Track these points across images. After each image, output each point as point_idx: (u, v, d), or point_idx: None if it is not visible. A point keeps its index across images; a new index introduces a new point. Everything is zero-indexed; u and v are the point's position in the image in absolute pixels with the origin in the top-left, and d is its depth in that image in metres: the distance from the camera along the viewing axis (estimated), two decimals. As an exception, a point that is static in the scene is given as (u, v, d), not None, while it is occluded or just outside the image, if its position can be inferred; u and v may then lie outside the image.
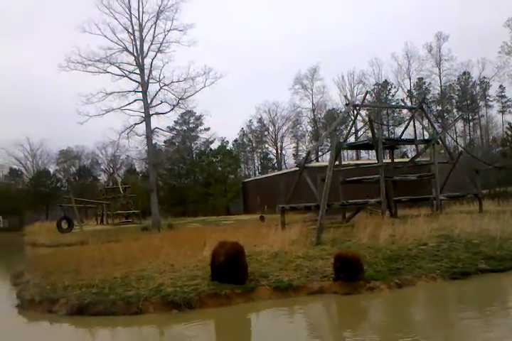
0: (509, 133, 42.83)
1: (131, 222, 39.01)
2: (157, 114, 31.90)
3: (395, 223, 14.57)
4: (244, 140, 74.05)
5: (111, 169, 68.90)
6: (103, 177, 70.65)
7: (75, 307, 8.92)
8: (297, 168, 20.08)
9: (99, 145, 69.17)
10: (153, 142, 33.96)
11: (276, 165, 71.38)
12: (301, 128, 71.68)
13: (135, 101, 31.02)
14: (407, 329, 7.15)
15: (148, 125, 30.87)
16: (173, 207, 50.72)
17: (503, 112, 64.24)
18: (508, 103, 63.71)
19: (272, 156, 73.43)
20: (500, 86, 63.58)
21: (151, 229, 26.78)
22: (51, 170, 70.49)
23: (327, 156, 24.17)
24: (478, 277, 10.22)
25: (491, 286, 9.94)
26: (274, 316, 8.41)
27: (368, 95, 52.33)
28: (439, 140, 20.71)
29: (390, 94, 65.94)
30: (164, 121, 65.08)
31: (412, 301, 9.19)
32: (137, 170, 66.43)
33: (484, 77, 62.81)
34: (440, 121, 59.68)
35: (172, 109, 32.34)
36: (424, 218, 15.16)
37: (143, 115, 30.96)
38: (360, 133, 28.42)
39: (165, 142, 58.25)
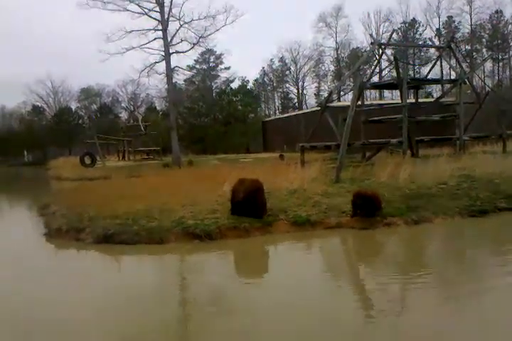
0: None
1: (152, 158, 39.60)
2: (177, 52, 31.38)
3: (416, 163, 14.48)
4: (265, 79, 72.69)
5: (131, 107, 69.05)
6: (124, 115, 71.11)
7: (101, 236, 9.32)
8: (318, 108, 19.77)
9: (119, 84, 69.10)
10: (174, 81, 33.69)
11: (297, 104, 70.39)
12: (323, 68, 69.82)
13: (155, 39, 30.40)
14: (423, 262, 7.33)
15: (168, 63, 30.41)
16: (193, 145, 51.08)
17: (533, 52, 61.16)
18: (540, 43, 60.44)
19: (292, 96, 72.31)
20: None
21: (172, 166, 27.17)
22: (73, 108, 71.06)
23: (349, 96, 23.67)
24: (497, 215, 10.25)
25: (509, 224, 9.97)
26: (291, 248, 8.66)
27: (394, 34, 50.08)
28: (466, 80, 19.98)
29: (418, 33, 63.03)
30: (184, 60, 64.58)
31: (428, 237, 9.33)
32: (157, 108, 66.41)
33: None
34: (468, 60, 57.19)
35: (192, 48, 31.79)
36: (446, 158, 15.02)
37: (163, 53, 30.42)
38: (384, 73, 27.46)
39: (185, 81, 57.66)
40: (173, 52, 30.86)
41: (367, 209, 9.57)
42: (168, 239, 9.05)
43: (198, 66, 62.34)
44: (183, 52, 31.67)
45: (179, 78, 51.74)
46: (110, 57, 30.58)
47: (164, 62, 30.53)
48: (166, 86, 33.30)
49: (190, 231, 9.15)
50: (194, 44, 31.52)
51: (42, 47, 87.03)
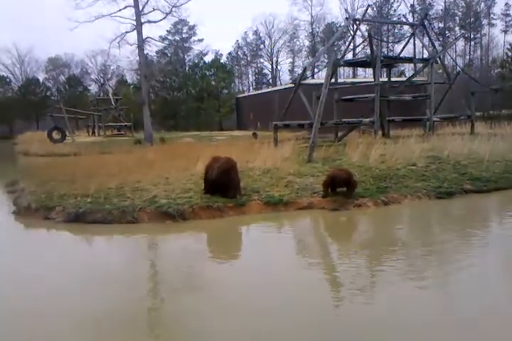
0: (509, 54, 41.65)
1: (124, 134, 38.91)
2: (149, 22, 30.52)
3: (387, 143, 14.71)
4: (239, 53, 71.65)
5: (101, 79, 67.20)
6: (94, 88, 69.21)
7: (72, 214, 9.23)
8: (292, 85, 19.70)
9: (88, 54, 66.89)
10: (145, 52, 32.85)
11: (271, 81, 69.90)
12: (298, 43, 69.24)
13: (126, 7, 29.44)
14: (390, 241, 7.56)
15: (139, 34, 29.58)
16: (165, 121, 50.43)
17: (505, 32, 62.04)
18: (512, 22, 61.30)
19: (266, 71, 71.70)
20: (506, 3, 60.81)
21: (144, 143, 26.84)
22: (40, 79, 68.67)
23: (323, 73, 23.63)
24: (462, 197, 10.61)
25: (472, 206, 10.34)
26: (264, 228, 8.79)
27: (369, 9, 49.76)
28: (438, 59, 20.20)
29: (392, 9, 62.95)
30: (156, 31, 62.50)
31: (396, 217, 9.60)
32: (129, 81, 64.80)
33: (491, -6, 59.85)
34: (441, 39, 57.61)
35: (165, 17, 30.96)
36: (416, 139, 15.31)
37: (134, 23, 29.52)
38: (358, 50, 27.42)
39: (157, 53, 56.34)
40: (145, 22, 30.04)
41: (343, 189, 9.79)
42: (142, 219, 9.05)
43: (170, 37, 60.92)
44: (155, 21, 30.88)
45: (151, 50, 50.66)
46: (79, 25, 29.62)
47: (136, 32, 29.70)
48: (138, 58, 32.48)
49: (163, 210, 9.16)
50: (167, 13, 30.75)
51: (7, 14, 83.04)
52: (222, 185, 9.77)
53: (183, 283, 5.89)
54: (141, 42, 29.88)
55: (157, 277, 6.41)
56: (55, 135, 32.48)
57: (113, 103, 40.88)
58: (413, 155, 12.99)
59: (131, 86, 59.97)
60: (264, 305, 5.07)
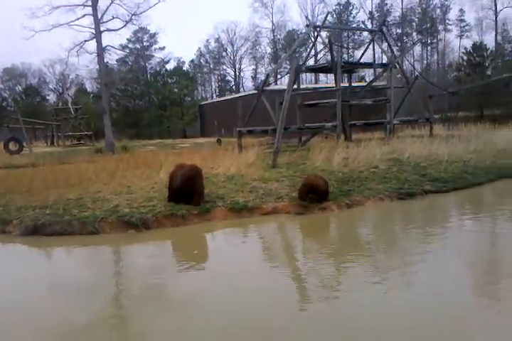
0: (465, 58, 43.26)
1: (84, 143, 38.11)
2: (108, 30, 30.21)
3: (349, 147, 14.91)
4: (201, 61, 71.63)
5: (60, 88, 65.72)
6: (52, 97, 67.50)
7: (29, 227, 8.88)
8: (255, 91, 19.76)
9: (46, 63, 65.41)
10: (105, 60, 32.36)
11: (234, 87, 70.07)
12: (260, 50, 69.86)
13: (84, 16, 29.02)
14: (355, 243, 7.61)
15: (99, 42, 29.15)
16: (127, 129, 49.63)
17: (460, 37, 64.47)
18: (467, 27, 63.73)
19: (229, 78, 71.90)
20: (461, 9, 63.28)
21: (105, 152, 26.32)
22: (-5, 89, 66.54)
23: (286, 79, 23.79)
24: (423, 198, 10.84)
25: (432, 205, 10.56)
26: (228, 235, 8.70)
27: (329, 16, 50.62)
28: (396, 64, 20.69)
29: (352, 16, 64.47)
30: (116, 39, 62.29)
31: (359, 219, 9.67)
32: (88, 90, 63.58)
33: (445, 0, 62.08)
34: (399, 44, 59.26)
35: (124, 26, 30.78)
36: (377, 142, 15.58)
37: (93, 31, 29.13)
38: (319, 56, 27.79)
39: (117, 61, 55.61)
40: (104, 30, 29.66)
41: (316, 198, 9.80)
42: (103, 229, 8.81)
43: (131, 45, 60.33)
44: (114, 30, 30.62)
45: (111, 58, 49.80)
46: (36, 34, 29.01)
47: (95, 40, 29.27)
48: (97, 66, 31.94)
49: (126, 220, 8.95)
50: (126, 22, 30.57)
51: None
52: (186, 192, 9.63)
53: (147, 294, 5.73)
54: (101, 51, 29.46)
55: (119, 288, 6.22)
56: (12, 146, 31.40)
57: (72, 112, 39.97)
58: (375, 158, 13.21)
59: (91, 95, 58.85)
60: (231, 311, 4.98)
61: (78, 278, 6.47)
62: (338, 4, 63.85)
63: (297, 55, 51.09)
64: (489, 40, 53.60)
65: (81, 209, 9.52)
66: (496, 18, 56.20)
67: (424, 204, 10.56)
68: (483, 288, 5.52)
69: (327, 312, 4.90)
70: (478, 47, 42.21)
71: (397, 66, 21.11)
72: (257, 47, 69.17)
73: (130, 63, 60.04)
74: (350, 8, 64.08)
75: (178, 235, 8.72)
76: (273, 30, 66.45)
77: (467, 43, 55.26)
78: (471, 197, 11.29)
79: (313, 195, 9.82)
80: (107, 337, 4.70)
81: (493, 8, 56.33)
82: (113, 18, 30.03)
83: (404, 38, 62.57)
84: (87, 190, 10.90)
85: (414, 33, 63.84)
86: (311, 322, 4.67)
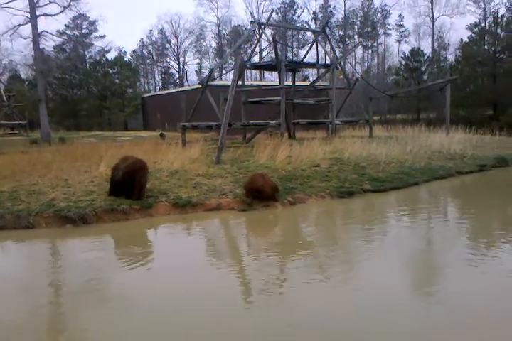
0: (403, 62, 45.07)
1: (18, 133, 36.16)
2: (45, 15, 28.78)
3: (292, 145, 15.13)
4: (144, 52, 69.99)
5: (-9, 74, 61.93)
6: (-18, 83, 63.49)
7: (-43, 221, 8.35)
8: (200, 86, 19.57)
9: (-24, 46, 61.36)
10: (41, 47, 30.82)
11: (178, 81, 69.05)
12: (205, 44, 69.23)
13: (19, -2, 27.46)
14: (297, 240, 7.75)
15: (34, 27, 27.73)
16: (64, 120, 47.61)
17: (399, 41, 67.01)
18: (405, 33, 66.31)
19: (173, 71, 70.73)
20: (400, 15, 65.82)
21: (41, 143, 25.15)
22: None
23: (231, 75, 23.71)
24: (362, 196, 11.22)
25: (370, 204, 10.95)
26: (171, 231, 8.59)
27: (273, 14, 51.16)
28: (338, 65, 21.20)
29: (296, 15, 65.23)
30: (54, 25, 59.21)
31: (301, 216, 9.87)
32: (23, 77, 60.36)
33: (386, 5, 64.48)
34: (341, 46, 60.79)
35: (62, 11, 29.42)
36: (320, 141, 15.92)
37: (28, 15, 27.64)
38: (264, 54, 27.95)
39: (54, 48, 52.99)
40: (40, 15, 28.28)
41: (261, 196, 9.83)
42: (38, 224, 8.47)
43: (69, 32, 57.74)
44: (51, 15, 29.21)
45: (48, 44, 47.82)
46: (-36, 15, 27.11)
47: (30, 25, 27.81)
48: (33, 52, 30.38)
49: (63, 214, 8.64)
50: (64, 7, 29.28)
51: None
52: (128, 186, 9.41)
53: (85, 290, 5.54)
54: (36, 36, 28.05)
55: (56, 284, 5.97)
56: None
57: (5, 100, 37.79)
58: (317, 157, 13.50)
59: (26, 82, 55.96)
60: (174, 309, 4.92)
61: (10, 273, 6.15)
62: (283, 2, 64.43)
63: (242, 52, 51.16)
64: (426, 46, 56.31)
65: (15, 202, 9.07)
66: (433, 25, 58.99)
67: (362, 202, 10.93)
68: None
69: (271, 313, 4.95)
70: (416, 53, 44.08)
71: (339, 67, 21.64)
72: (202, 41, 68.58)
73: (68, 51, 57.51)
74: (295, 7, 64.84)
75: (118, 230, 8.50)
76: (218, 25, 66.08)
77: (406, 48, 57.81)
78: (406, 197, 11.80)
79: (258, 198, 9.85)
80: (37, 332, 4.51)
81: (430, 16, 59.09)
82: (50, 2, 28.65)
83: (347, 40, 64.18)
84: (21, 182, 10.38)
85: (356, 36, 65.67)
86: (252, 318, 4.72)
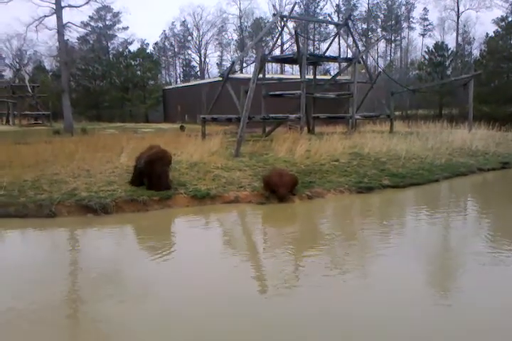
0: (426, 57, 44.34)
1: (41, 124, 36.80)
2: (70, 6, 28.98)
3: (312, 139, 15.09)
4: (166, 44, 70.25)
5: (17, 64, 63.01)
6: (8, 74, 64.57)
7: (-18, 209, 8.59)
8: (220, 78, 19.61)
9: (2, 37, 62.48)
10: (66, 38, 31.19)
11: (199, 73, 69.23)
12: (226, 36, 69.15)
13: (45, -11, 27.68)
14: (315, 234, 7.77)
15: (59, 18, 27.98)
16: (87, 111, 48.22)
17: (423, 35, 65.91)
18: (429, 26, 65.20)
19: (194, 64, 70.90)
20: (425, 8, 64.72)
21: (64, 133, 25.52)
22: None
23: (251, 68, 23.72)
24: (381, 192, 11.15)
25: (389, 200, 10.90)
26: (190, 222, 8.68)
27: (296, 6, 50.80)
28: (360, 59, 20.99)
29: (319, 8, 64.64)
30: (78, 16, 59.90)
31: (319, 211, 9.87)
32: (47, 68, 61.21)
33: (411, -2, 63.40)
34: (364, 39, 60.05)
35: (87, 3, 29.59)
36: (339, 136, 15.84)
37: (54, 6, 27.89)
38: (285, 47, 27.80)
39: (78, 39, 53.61)
40: (65, 6, 28.47)
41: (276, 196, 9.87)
42: (60, 212, 8.66)
43: (93, 23, 58.31)
44: (76, 6, 29.40)
45: (72, 35, 48.40)
46: (-9, 5, 27.47)
47: (55, 16, 28.08)
48: (57, 43, 30.73)
49: (84, 204, 8.82)
50: (89, -2, 29.39)
51: None
52: (148, 175, 9.58)
53: (106, 280, 5.67)
54: (61, 28, 28.32)
55: (77, 273, 6.12)
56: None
57: (30, 90, 38.42)
58: (336, 152, 13.45)
59: (50, 73, 56.72)
60: (195, 300, 5.01)
61: (32, 261, 6.32)
62: (306, -5, 63.88)
63: (263, 44, 50.99)
64: (450, 41, 55.27)
65: (37, 192, 9.28)
66: (458, 19, 57.82)
67: (382, 198, 10.88)
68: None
69: (284, 301, 5.00)
70: (440, 47, 43.31)
71: (361, 61, 21.42)
72: (224, 33, 68.53)
73: (91, 42, 58.08)
74: (318, 0, 64.27)
75: (137, 220, 8.64)
76: (240, 17, 65.87)
77: (429, 42, 56.87)
78: (426, 193, 11.70)
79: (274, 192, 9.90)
80: (56, 318, 4.65)
81: (456, 10, 57.93)
82: (75, -7, 28.93)
83: (369, 33, 63.41)
84: (43, 172, 10.60)
85: (379, 29, 64.78)
86: (270, 310, 4.78)
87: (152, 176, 9.55)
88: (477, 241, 7.22)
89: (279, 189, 9.77)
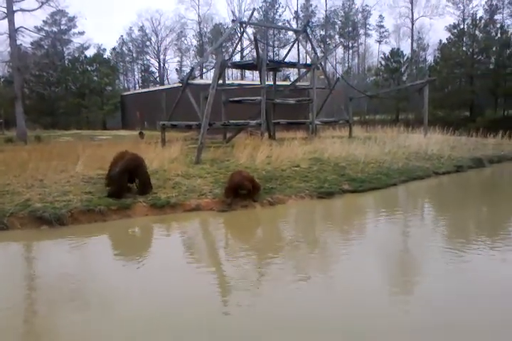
0: (383, 63, 45.47)
1: (-8, 131, 35.39)
2: (22, 10, 28.05)
3: (273, 145, 15.12)
4: (124, 49, 69.16)
5: (-34, 70, 60.49)
6: (-44, 80, 61.95)
7: None
8: (180, 84, 19.42)
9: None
10: (18, 43, 30.16)
11: (158, 79, 68.48)
12: (185, 42, 68.75)
13: (-5, -8, 26.78)
14: (276, 240, 7.73)
15: (11, 22, 27.06)
16: (42, 118, 46.70)
17: (379, 42, 67.65)
18: (385, 33, 66.97)
19: (153, 69, 70.09)
20: (380, 15, 66.45)
21: (17, 141, 24.62)
22: None
23: (211, 74, 23.59)
24: (341, 197, 11.27)
25: (349, 204, 11.02)
26: (149, 231, 8.50)
27: (255, 12, 51.01)
28: (319, 65, 21.27)
29: (278, 14, 65.23)
30: (31, 20, 58.01)
31: (280, 217, 9.85)
32: (-1, 74, 59.12)
33: (367, 5, 65.08)
34: (322, 46, 61.05)
35: (40, 7, 28.69)
36: (300, 141, 15.95)
37: (5, 10, 26.96)
38: (245, 53, 27.92)
39: (32, 44, 51.99)
40: (17, 10, 27.55)
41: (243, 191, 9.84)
42: (13, 225, 8.28)
43: (47, 28, 56.74)
44: (29, 10, 28.47)
45: (25, 40, 46.87)
46: None
47: (6, 20, 27.16)
48: (9, 48, 29.73)
49: (38, 215, 8.47)
50: (43, 2, 28.53)
51: None
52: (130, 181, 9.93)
53: (61, 293, 5.43)
54: (13, 32, 27.39)
55: (31, 286, 5.84)
56: None
57: (-20, 96, 36.98)
58: (297, 157, 13.52)
59: (2, 79, 54.79)
60: (156, 309, 4.86)
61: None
62: (265, 1, 64.29)
63: (223, 50, 50.99)
64: (406, 47, 56.86)
65: (-13, 204, 8.85)
66: (413, 26, 59.65)
67: (342, 203, 10.99)
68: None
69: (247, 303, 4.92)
70: (396, 54, 44.48)
71: (320, 67, 21.71)
72: (183, 38, 68.11)
73: (46, 47, 56.48)
74: (277, 6, 64.81)
75: (94, 231, 8.36)
76: (199, 23, 65.66)
77: (386, 49, 58.29)
78: (385, 197, 11.91)
79: (240, 195, 9.82)
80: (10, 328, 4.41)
81: (410, 17, 59.75)
82: (28, -3, 28.11)
83: (328, 40, 64.46)
84: (-6, 182, 10.14)
85: (337, 36, 66.00)
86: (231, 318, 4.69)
87: (140, 180, 9.88)
88: (433, 240, 7.44)
89: (244, 182, 9.71)
